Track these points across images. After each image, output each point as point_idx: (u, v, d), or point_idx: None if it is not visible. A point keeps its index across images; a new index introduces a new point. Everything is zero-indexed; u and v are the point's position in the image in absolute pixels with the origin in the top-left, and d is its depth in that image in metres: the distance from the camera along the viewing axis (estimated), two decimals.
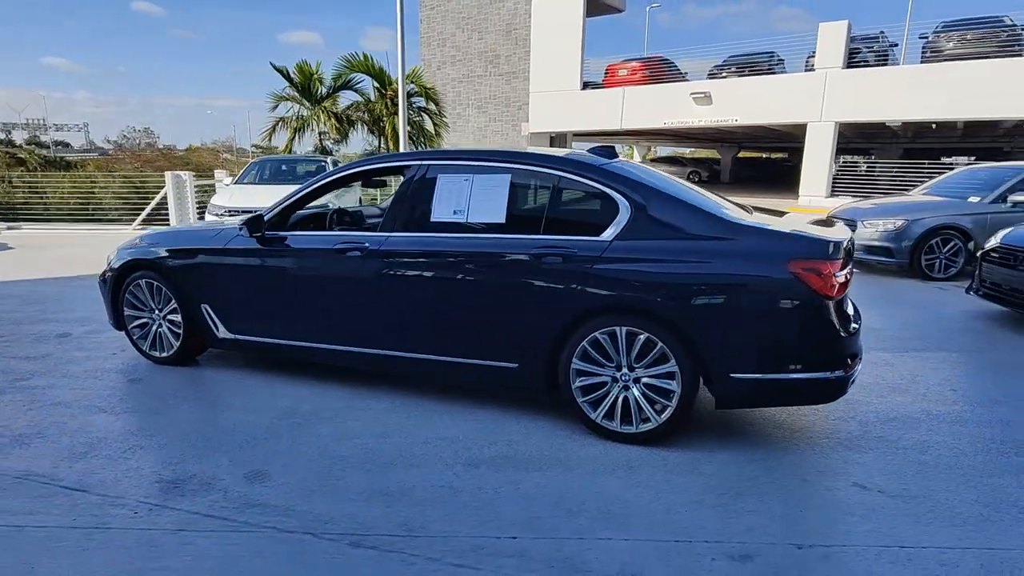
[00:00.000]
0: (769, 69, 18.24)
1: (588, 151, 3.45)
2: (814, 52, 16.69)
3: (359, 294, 3.36)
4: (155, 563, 2.12)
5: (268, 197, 7.52)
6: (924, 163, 16.41)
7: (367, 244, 3.33)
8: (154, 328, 3.99)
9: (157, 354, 4.02)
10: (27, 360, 4.16)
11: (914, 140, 23.81)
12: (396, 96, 14.30)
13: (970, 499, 2.51)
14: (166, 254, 3.87)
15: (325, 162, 10.87)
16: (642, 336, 2.82)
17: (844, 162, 20.07)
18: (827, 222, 3.47)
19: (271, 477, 2.66)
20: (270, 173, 10.15)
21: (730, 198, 3.59)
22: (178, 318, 3.87)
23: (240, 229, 3.65)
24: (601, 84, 21.21)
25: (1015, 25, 14.92)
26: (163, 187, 11.47)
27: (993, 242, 5.36)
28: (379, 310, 3.34)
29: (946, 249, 7.19)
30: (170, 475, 2.67)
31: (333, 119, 17.60)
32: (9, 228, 11.69)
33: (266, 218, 3.62)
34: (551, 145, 22.37)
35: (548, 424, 3.17)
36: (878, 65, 16.47)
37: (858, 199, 10.98)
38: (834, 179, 17.06)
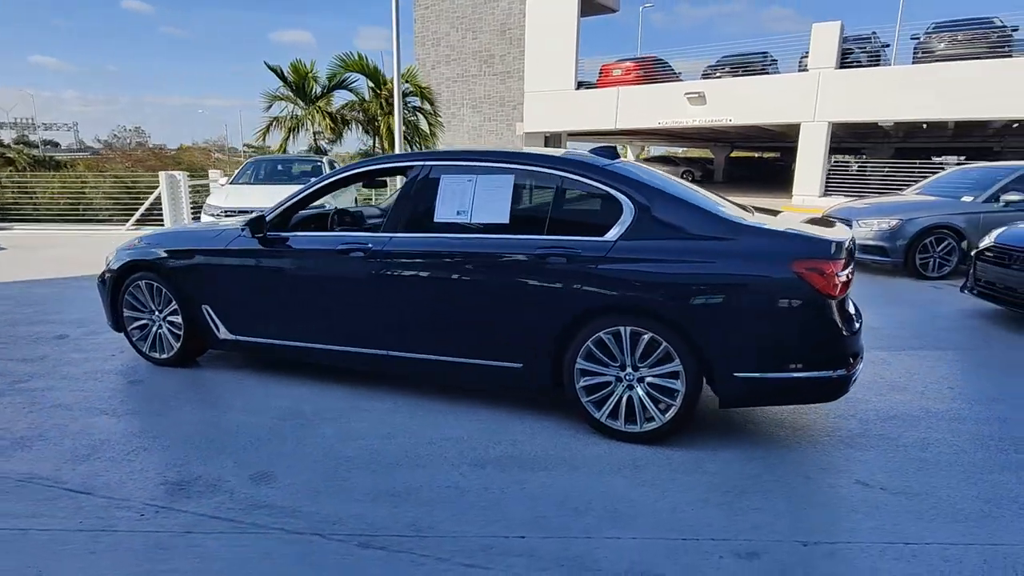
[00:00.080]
0: (763, 69, 18.33)
1: (590, 151, 3.46)
2: (807, 52, 16.81)
3: (363, 295, 3.36)
4: (164, 565, 2.11)
5: (264, 197, 7.53)
6: (915, 163, 16.56)
7: (370, 245, 3.33)
8: (154, 329, 3.97)
9: (157, 355, 4.00)
10: (25, 362, 4.13)
11: (905, 140, 24.01)
12: (391, 96, 14.29)
13: (971, 495, 2.54)
14: (166, 255, 3.86)
15: (321, 162, 10.85)
16: (646, 336, 2.84)
17: (836, 162, 20.20)
18: (827, 221, 3.50)
19: (277, 478, 2.66)
20: (266, 173, 10.11)
21: (729, 198, 3.61)
22: (178, 319, 3.85)
23: (242, 230, 3.64)
24: (595, 84, 21.25)
25: (1005, 26, 15.08)
26: (156, 187, 11.40)
27: (987, 241, 5.42)
28: (384, 311, 3.34)
29: (940, 248, 7.26)
30: (175, 477, 2.66)
31: (328, 119, 17.55)
32: (1, 229, 11.58)
33: (268, 219, 3.61)
34: (546, 145, 22.39)
35: (552, 424, 3.18)
36: (871, 65, 16.60)
37: (852, 198, 11.06)
38: (826, 179, 17.18)
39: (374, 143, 18.62)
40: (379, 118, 17.85)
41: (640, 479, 2.66)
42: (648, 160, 35.35)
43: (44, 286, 6.64)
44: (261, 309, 3.68)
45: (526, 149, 4.48)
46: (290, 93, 17.94)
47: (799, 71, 17.30)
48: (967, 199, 7.45)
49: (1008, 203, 7.09)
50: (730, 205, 3.31)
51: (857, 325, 2.93)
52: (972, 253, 5.59)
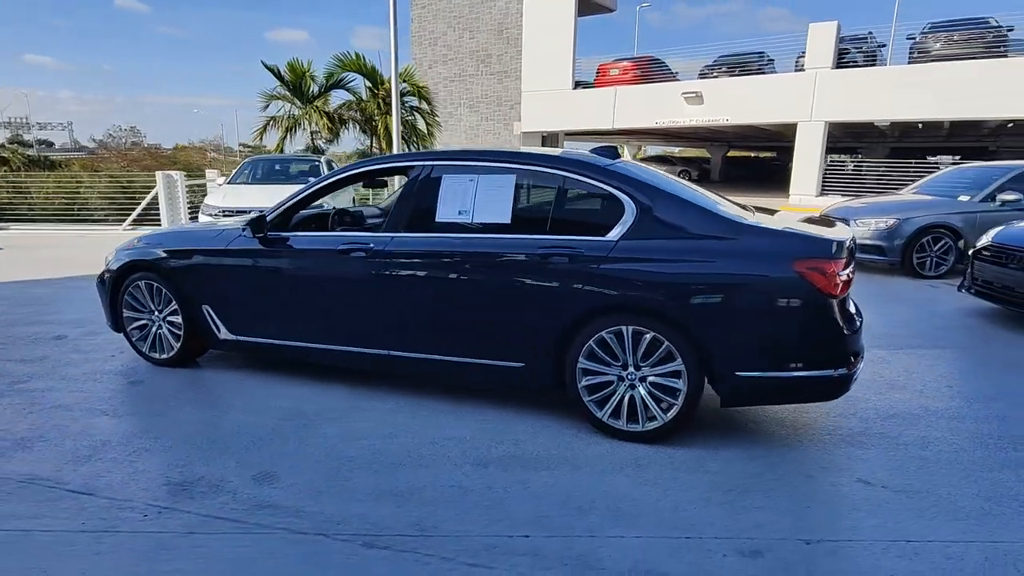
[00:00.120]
0: (759, 69, 18.37)
1: (591, 151, 3.47)
2: (803, 52, 16.84)
3: (364, 295, 3.36)
4: (167, 565, 2.11)
5: (262, 197, 7.51)
6: (911, 163, 16.62)
7: (372, 245, 3.33)
8: (154, 330, 3.96)
9: (157, 356, 3.99)
10: (24, 363, 4.11)
11: (901, 139, 24.09)
12: (388, 95, 14.27)
13: (971, 493, 2.56)
14: (166, 255, 3.85)
15: (318, 161, 10.83)
16: (648, 335, 2.85)
17: (832, 161, 20.27)
18: (826, 220, 3.52)
19: (280, 478, 2.66)
20: (263, 173, 10.09)
21: (728, 197, 3.62)
22: (178, 319, 3.84)
23: (243, 230, 3.64)
24: (592, 84, 21.26)
25: (1000, 26, 15.15)
26: (152, 187, 11.36)
27: (985, 240, 5.45)
28: (385, 310, 3.33)
29: (937, 247, 7.29)
30: (178, 477, 2.66)
31: (325, 118, 17.53)
32: None
33: (269, 219, 3.60)
34: (543, 144, 22.39)
35: (554, 423, 3.19)
36: (867, 65, 16.65)
37: (848, 198, 11.10)
38: (823, 178, 17.24)
39: (371, 143, 18.60)
40: (376, 118, 17.84)
41: (642, 478, 2.67)
42: (645, 160, 35.42)
43: (41, 286, 6.62)
44: (262, 309, 3.67)
45: (527, 149, 4.48)
46: (287, 92, 17.91)
47: (796, 71, 17.33)
48: (964, 198, 7.49)
49: (1004, 202, 7.12)
50: (730, 205, 3.32)
51: (858, 324, 2.95)
52: (969, 252, 5.62)
